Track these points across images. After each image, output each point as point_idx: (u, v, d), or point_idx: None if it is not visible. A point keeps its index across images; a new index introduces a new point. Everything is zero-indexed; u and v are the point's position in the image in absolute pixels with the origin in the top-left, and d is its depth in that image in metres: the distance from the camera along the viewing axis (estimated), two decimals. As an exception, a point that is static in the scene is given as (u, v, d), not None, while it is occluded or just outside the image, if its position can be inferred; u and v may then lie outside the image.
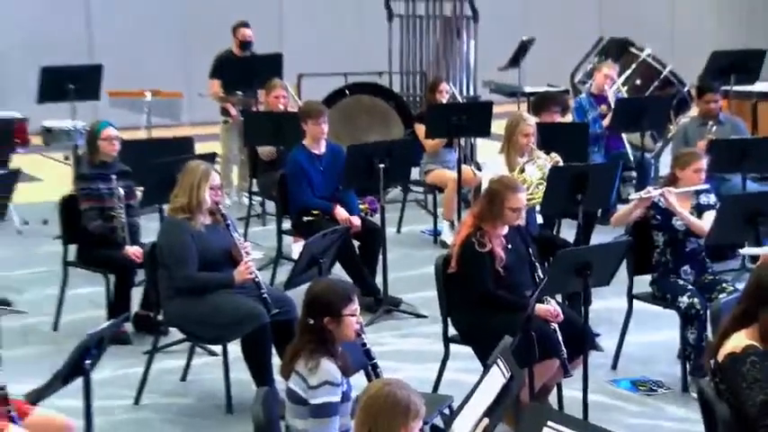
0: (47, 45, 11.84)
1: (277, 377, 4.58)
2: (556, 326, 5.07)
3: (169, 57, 12.94)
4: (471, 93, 10.81)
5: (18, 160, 8.86)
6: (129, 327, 6.42)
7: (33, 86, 8.87)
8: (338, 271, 6.71)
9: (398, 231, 8.79)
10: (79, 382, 4.11)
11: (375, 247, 7.06)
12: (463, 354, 5.42)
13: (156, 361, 5.80)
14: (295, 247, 7.35)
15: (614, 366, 6.01)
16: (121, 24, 13.09)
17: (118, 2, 13.11)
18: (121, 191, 6.48)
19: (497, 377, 3.60)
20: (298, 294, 4.56)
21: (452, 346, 5.44)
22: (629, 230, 6.03)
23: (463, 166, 8.38)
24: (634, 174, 8.94)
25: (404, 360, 6.09)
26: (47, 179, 9.91)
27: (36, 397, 4.28)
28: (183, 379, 5.93)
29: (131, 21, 13.14)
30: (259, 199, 8.93)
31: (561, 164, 6.75)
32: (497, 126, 7.77)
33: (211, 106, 9.96)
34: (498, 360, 3.67)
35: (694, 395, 5.00)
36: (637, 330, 6.14)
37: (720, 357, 3.87)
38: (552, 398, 5.33)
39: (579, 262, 4.94)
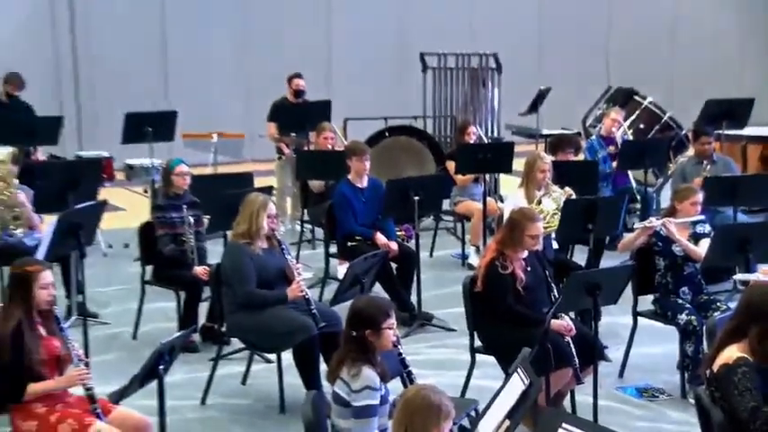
0: (132, 94, 11.97)
1: (324, 382, 4.57)
2: (569, 339, 5.02)
3: (233, 103, 13.03)
4: (495, 134, 10.78)
5: (105, 193, 8.92)
6: (196, 337, 6.43)
7: (119, 129, 8.94)
8: (378, 289, 6.69)
9: (431, 255, 8.75)
10: (154, 384, 4.13)
11: (410, 268, 7.04)
12: (487, 363, 5.38)
13: (220, 367, 5.80)
14: (340, 269, 7.34)
15: (621, 375, 5.93)
16: (193, 75, 13.22)
17: (191, 57, 13.24)
18: (191, 219, 6.51)
19: (518, 384, 3.56)
20: (342, 309, 4.55)
21: (478, 356, 5.40)
22: (634, 255, 5.97)
23: (488, 199, 8.35)
24: (638, 206, 8.88)
25: (435, 368, 6.04)
26: (129, 209, 9.98)
27: (118, 397, 4.30)
28: (243, 383, 5.92)
29: (201, 72, 13.26)
30: (309, 226, 8.94)
31: (574, 197, 6.71)
32: (518, 163, 7.74)
33: (269, 146, 10.01)
34: (518, 369, 3.63)
35: (692, 401, 4.94)
36: (641, 343, 6.05)
37: (715, 368, 3.83)
38: (566, 402, 5.27)
39: (590, 283, 4.91)
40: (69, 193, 6.92)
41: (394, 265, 7.03)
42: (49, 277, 4.43)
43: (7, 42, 11.90)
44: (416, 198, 6.84)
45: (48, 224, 6.03)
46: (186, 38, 13.24)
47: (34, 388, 4.28)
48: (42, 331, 4.41)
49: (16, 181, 7.01)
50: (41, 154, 9.11)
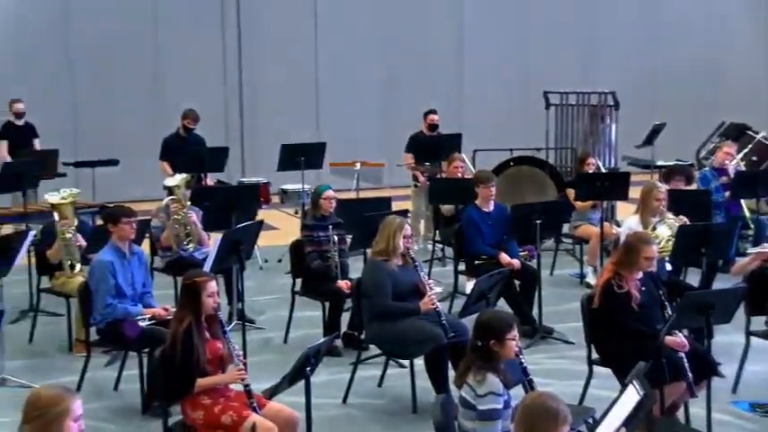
0: (288, 127, 12.29)
1: (452, 386, 4.52)
2: (683, 354, 4.82)
3: (374, 134, 13.19)
4: (612, 165, 10.53)
5: (262, 214, 9.14)
6: (339, 343, 6.47)
7: (275, 158, 9.14)
8: (502, 304, 6.61)
9: (551, 274, 8.58)
10: (302, 383, 4.16)
11: (532, 285, 6.92)
12: (603, 374, 5.20)
13: (359, 370, 5.83)
14: (468, 285, 7.28)
15: (734, 390, 5.64)
16: (341, 110, 13.47)
17: (339, 93, 13.50)
18: (336, 237, 6.59)
19: (633, 395, 3.43)
20: (469, 321, 4.50)
21: (595, 368, 5.24)
22: (746, 279, 5.68)
23: (605, 223, 8.14)
24: (751, 232, 8.46)
25: (554, 377, 5.90)
26: (282, 228, 10.19)
27: (271, 393, 4.36)
28: (380, 385, 5.93)
29: (348, 107, 13.49)
30: (440, 246, 8.92)
31: (688, 224, 6.47)
32: (633, 192, 7.53)
33: (406, 174, 10.07)
34: (634, 381, 3.50)
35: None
36: (753, 362, 5.75)
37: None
38: (680, 414, 5.04)
39: (703, 303, 4.71)
40: (232, 214, 7.12)
41: (517, 282, 6.93)
42: (214, 287, 4.56)
43: (184, 82, 12.44)
44: (538, 222, 6.74)
45: (214, 241, 6.21)
46: (336, 77, 13.51)
47: (201, 383, 4.40)
48: (208, 334, 4.53)
49: (188, 203, 7.27)
50: (210, 180, 9.44)
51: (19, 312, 7.20)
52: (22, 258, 6.20)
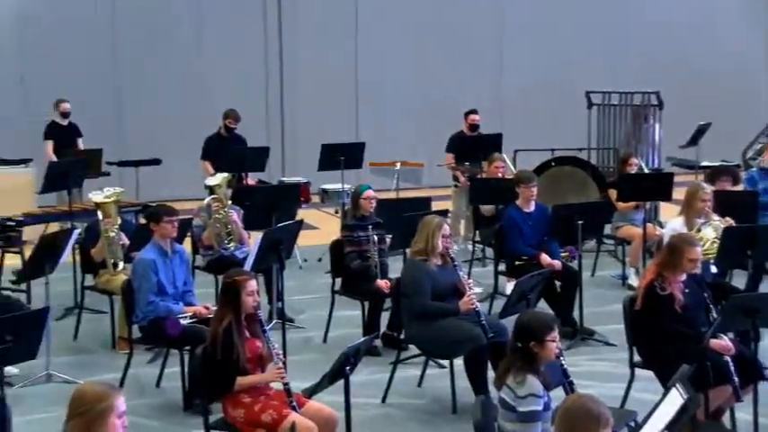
0: (328, 127, 12.33)
1: (491, 387, 4.50)
2: (729, 358, 4.74)
3: (414, 135, 13.19)
4: (656, 165, 10.40)
5: (302, 213, 9.19)
6: (378, 342, 6.47)
7: (316, 158, 9.17)
8: (542, 305, 6.56)
9: (593, 275, 8.50)
10: (341, 382, 4.17)
11: (573, 286, 6.85)
12: (645, 377, 5.14)
13: (399, 370, 5.82)
14: (508, 285, 7.24)
15: (781, 395, 5.52)
16: (380, 110, 13.49)
17: (378, 94, 13.52)
18: (375, 237, 6.60)
19: (676, 398, 3.39)
20: (509, 322, 4.47)
21: (637, 371, 5.17)
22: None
23: (648, 224, 8.04)
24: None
25: (595, 379, 5.84)
26: (322, 228, 10.23)
27: (310, 392, 4.38)
28: (419, 385, 5.92)
29: (388, 107, 13.51)
30: (480, 246, 8.89)
31: (734, 225, 6.35)
32: (677, 192, 7.43)
33: (446, 173, 10.05)
34: (677, 384, 3.46)
35: None
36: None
37: None
38: (726, 418, 4.96)
39: (748, 306, 4.62)
40: (273, 214, 7.17)
41: (558, 284, 6.87)
42: (254, 286, 4.58)
43: (226, 83, 12.55)
44: (580, 222, 6.68)
45: (254, 240, 6.25)
46: (376, 77, 13.53)
47: (241, 381, 4.42)
48: (248, 333, 4.56)
49: (229, 202, 7.33)
50: (251, 179, 9.51)
51: (64, 309, 7.32)
52: (67, 256, 6.29)
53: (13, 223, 7.49)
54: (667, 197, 7.98)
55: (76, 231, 6.51)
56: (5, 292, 6.58)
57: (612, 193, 8.27)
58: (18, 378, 5.85)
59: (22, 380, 5.86)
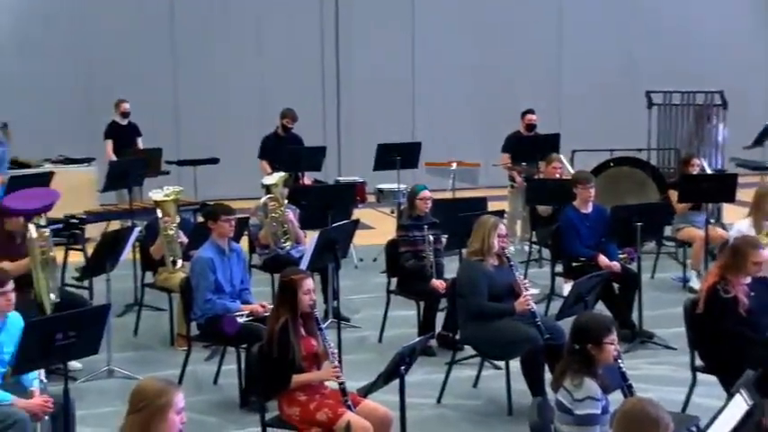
0: (384, 127, 12.36)
1: (548, 389, 4.46)
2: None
3: (471, 134, 13.13)
4: (719, 166, 10.19)
5: (358, 213, 9.21)
6: (434, 342, 6.46)
7: (372, 158, 9.20)
8: (600, 307, 6.47)
9: (652, 277, 8.36)
10: (396, 382, 4.16)
11: (632, 288, 6.75)
12: (707, 381, 5.04)
13: (454, 370, 5.81)
14: (565, 287, 7.17)
15: None
16: (436, 110, 13.47)
17: (435, 94, 13.50)
18: (431, 237, 6.58)
19: (740, 404, 3.31)
20: (566, 324, 4.43)
21: (699, 375, 5.08)
22: None
23: (709, 226, 7.89)
24: None
25: (655, 383, 5.74)
26: (377, 227, 10.25)
27: (365, 392, 4.39)
28: (475, 386, 5.90)
29: (444, 107, 13.48)
30: (537, 247, 8.81)
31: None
32: (742, 194, 7.29)
33: (502, 174, 9.98)
34: (741, 389, 3.38)
35: None
36: None
37: None
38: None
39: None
40: (328, 213, 7.21)
41: (616, 286, 6.78)
42: (310, 284, 4.61)
43: (283, 82, 12.66)
44: (639, 224, 6.58)
45: (310, 239, 6.29)
46: (432, 76, 13.51)
47: (297, 379, 4.45)
48: (304, 331, 4.59)
49: (286, 201, 7.39)
50: (308, 179, 9.57)
51: (124, 306, 7.46)
52: (127, 254, 6.41)
53: (77, 221, 7.66)
54: (730, 198, 7.81)
55: (137, 229, 6.63)
56: (69, 289, 6.72)
57: (673, 195, 8.12)
58: (81, 373, 5.99)
59: (84, 375, 6.00)
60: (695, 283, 7.66)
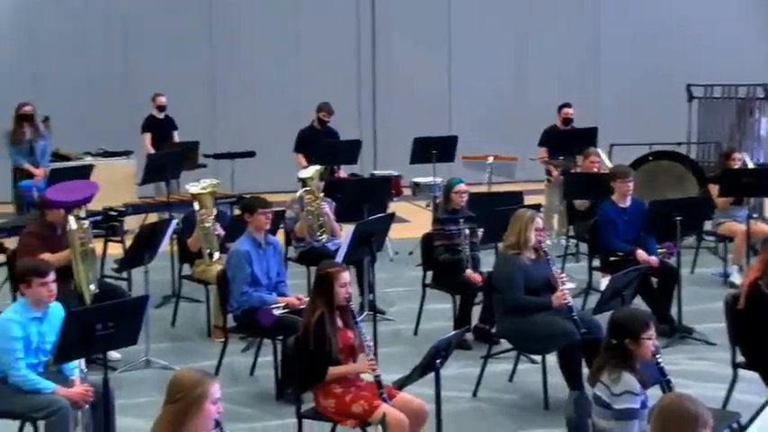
0: (419, 121, 12.33)
1: (585, 384, 4.43)
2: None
3: (507, 128, 13.05)
4: (761, 160, 10.03)
5: (393, 206, 9.21)
6: (469, 336, 6.45)
7: (408, 151, 9.20)
8: (638, 302, 6.41)
9: (692, 272, 8.25)
10: (431, 375, 4.16)
11: (671, 284, 6.67)
12: (749, 378, 4.97)
13: (490, 364, 5.79)
14: (603, 281, 7.11)
15: None
16: (473, 103, 13.41)
17: (472, 87, 13.44)
18: (467, 231, 6.57)
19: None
20: (603, 319, 4.39)
21: (740, 371, 5.00)
22: None
23: (751, 221, 7.77)
24: None
25: (694, 379, 5.68)
26: (413, 221, 10.24)
27: (400, 384, 4.39)
28: (510, 380, 5.88)
29: (480, 100, 13.42)
30: (574, 241, 8.74)
31: None
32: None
33: (539, 168, 9.92)
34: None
35: None
36: None
37: None
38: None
39: None
40: (364, 206, 7.21)
41: (654, 280, 6.70)
42: (346, 277, 4.62)
43: (319, 76, 12.70)
44: (678, 218, 6.50)
45: (346, 232, 6.30)
46: (468, 69, 13.46)
47: (333, 371, 4.46)
48: (340, 324, 4.60)
49: (322, 194, 7.41)
50: (343, 172, 9.58)
51: (162, 298, 7.53)
52: (165, 246, 6.48)
53: (116, 213, 7.75)
54: (772, 193, 7.71)
55: (174, 222, 6.69)
56: (108, 280, 6.81)
57: (713, 189, 8.02)
58: (119, 363, 6.07)
59: (123, 365, 6.07)
60: (736, 279, 7.55)
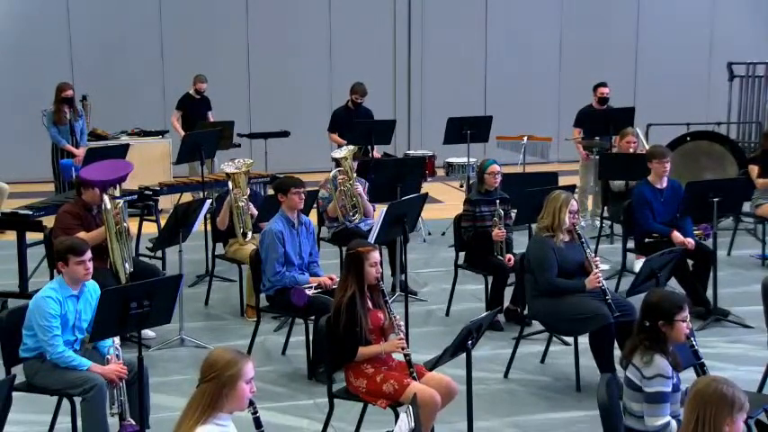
0: (454, 101, 12.27)
1: (617, 366, 4.40)
2: None
3: (542, 108, 12.94)
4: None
5: (427, 187, 9.18)
6: (501, 317, 6.45)
7: (442, 132, 9.14)
8: (673, 284, 6.34)
9: (729, 254, 8.15)
10: (463, 356, 4.16)
11: (707, 266, 6.59)
12: (785, 362, 4.91)
13: (521, 346, 5.78)
14: (637, 263, 7.04)
15: None
16: (509, 85, 13.30)
17: (508, 70, 13.33)
18: (501, 212, 6.54)
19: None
20: (637, 301, 4.35)
21: (776, 355, 4.96)
22: None
23: (791, 202, 7.64)
24: None
25: (729, 362, 5.62)
26: (447, 201, 10.22)
27: (432, 365, 4.39)
28: (542, 361, 5.87)
29: (517, 82, 13.32)
30: (609, 222, 8.67)
31: None
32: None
33: (574, 148, 9.83)
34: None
35: None
36: None
37: None
38: None
39: None
40: (397, 186, 7.20)
41: (690, 262, 6.62)
42: (377, 257, 4.62)
43: (354, 56, 12.68)
44: (716, 200, 6.41)
45: (379, 212, 6.30)
46: (503, 51, 13.35)
47: (363, 351, 4.48)
48: (370, 304, 4.61)
49: (355, 175, 7.41)
50: (377, 152, 9.58)
51: (196, 277, 7.61)
52: (199, 225, 6.53)
53: (150, 192, 7.82)
54: (815, 174, 7.56)
55: (208, 201, 6.73)
56: (143, 259, 6.88)
57: (753, 170, 7.89)
58: (153, 341, 6.15)
59: (157, 343, 6.15)
60: (775, 261, 7.44)
